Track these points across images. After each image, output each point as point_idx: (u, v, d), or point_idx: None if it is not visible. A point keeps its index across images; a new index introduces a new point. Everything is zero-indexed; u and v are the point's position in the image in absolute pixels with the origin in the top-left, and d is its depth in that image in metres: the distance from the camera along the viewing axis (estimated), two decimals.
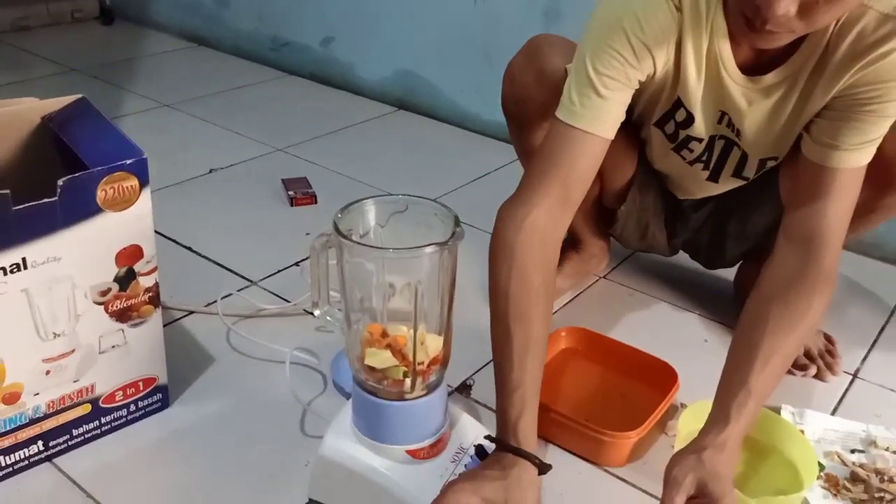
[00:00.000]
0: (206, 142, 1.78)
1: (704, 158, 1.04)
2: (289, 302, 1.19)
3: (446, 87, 1.92)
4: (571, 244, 1.28)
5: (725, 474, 0.77)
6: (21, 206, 0.74)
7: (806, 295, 0.86)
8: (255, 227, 1.43)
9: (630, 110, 0.94)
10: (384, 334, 0.76)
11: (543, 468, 0.78)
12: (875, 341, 1.21)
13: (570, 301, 1.26)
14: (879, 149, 0.90)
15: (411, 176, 1.64)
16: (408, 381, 0.76)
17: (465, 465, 0.81)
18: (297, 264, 1.30)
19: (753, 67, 0.89)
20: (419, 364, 0.75)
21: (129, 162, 0.80)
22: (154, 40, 2.47)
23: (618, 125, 0.89)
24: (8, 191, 0.73)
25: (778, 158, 1.02)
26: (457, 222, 0.73)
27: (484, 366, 1.08)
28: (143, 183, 0.82)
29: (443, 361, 0.79)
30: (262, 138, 1.79)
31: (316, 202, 1.50)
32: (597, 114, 0.86)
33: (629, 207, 1.17)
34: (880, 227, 1.41)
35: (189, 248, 1.32)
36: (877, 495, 0.88)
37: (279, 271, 1.28)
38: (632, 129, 1.06)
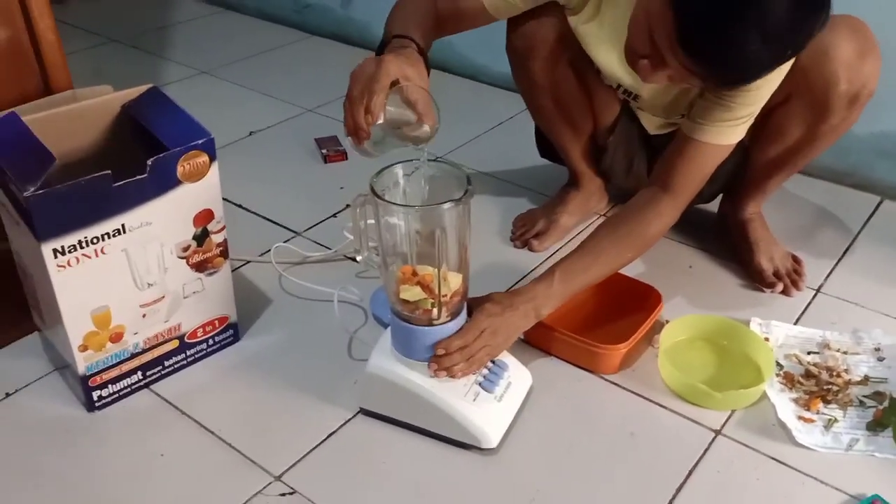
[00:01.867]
0: (243, 106, 1.94)
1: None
2: (330, 249, 1.38)
3: (459, 41, 2.04)
4: (573, 184, 1.44)
5: (486, 308, 1.01)
6: (120, 183, 0.93)
7: (637, 220, 1.11)
8: (295, 183, 1.61)
9: None
10: (414, 273, 0.94)
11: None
12: (839, 260, 1.37)
13: (574, 237, 1.42)
14: (809, 85, 1.10)
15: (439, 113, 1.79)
16: (435, 310, 0.94)
17: (483, 376, 1.00)
18: (334, 216, 1.48)
19: None
20: (443, 296, 0.93)
21: (201, 142, 0.98)
22: (182, 6, 2.60)
23: (506, 12, 1.17)
24: (109, 171, 0.91)
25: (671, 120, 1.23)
26: (468, 181, 0.90)
27: None
28: (212, 158, 1.00)
29: (462, 293, 0.97)
30: (294, 100, 1.95)
31: (346, 158, 1.67)
32: None
33: (617, 139, 1.35)
34: (853, 157, 1.57)
35: (240, 206, 1.51)
36: (825, 387, 1.06)
37: (319, 222, 1.46)
38: None
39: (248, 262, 1.35)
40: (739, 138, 1.10)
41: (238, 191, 1.51)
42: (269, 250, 1.35)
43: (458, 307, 0.96)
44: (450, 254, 0.92)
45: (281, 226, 1.46)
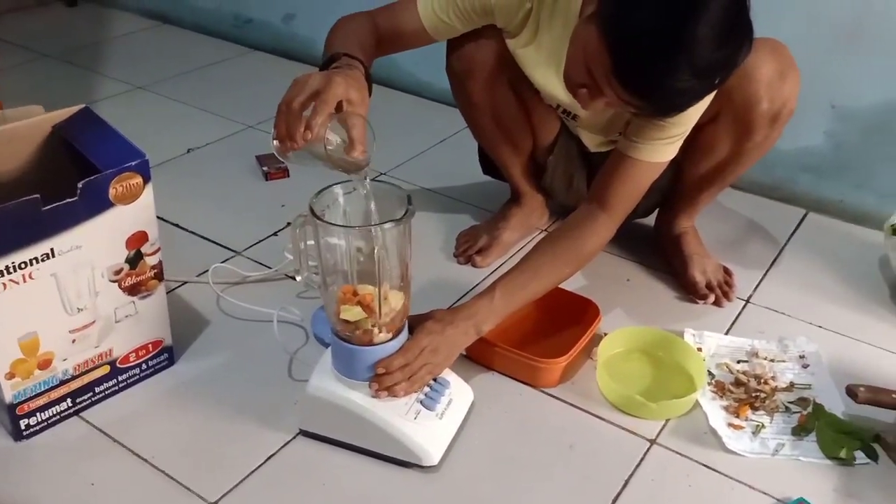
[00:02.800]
0: (181, 122, 1.91)
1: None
2: (270, 268, 1.36)
3: (403, 58, 2.04)
4: (514, 201, 1.47)
5: (427, 327, 1.02)
6: (49, 207, 0.90)
7: (574, 237, 1.15)
8: (235, 201, 1.59)
9: None
10: (355, 293, 0.94)
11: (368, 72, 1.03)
12: (767, 271, 1.42)
13: (516, 253, 1.44)
14: (733, 105, 1.16)
15: (376, 145, 1.80)
16: (375, 330, 0.94)
17: (426, 394, 1.00)
18: (275, 234, 1.47)
19: None
20: (384, 315, 0.93)
21: (134, 163, 0.96)
22: (119, 20, 2.55)
23: (445, 33, 1.19)
24: (38, 195, 0.89)
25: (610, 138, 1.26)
26: (409, 201, 0.91)
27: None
28: (146, 179, 0.98)
29: (404, 312, 0.97)
30: (234, 116, 1.93)
31: (288, 175, 1.65)
32: (433, 11, 1.15)
33: (557, 157, 1.39)
34: (778, 171, 1.64)
35: (177, 225, 1.48)
36: (754, 394, 1.11)
37: (260, 241, 1.45)
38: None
39: (185, 282, 1.33)
40: (672, 156, 1.14)
41: (175, 209, 1.49)
42: (207, 270, 1.33)
43: (399, 326, 0.97)
44: (391, 273, 0.93)
45: (220, 245, 1.44)
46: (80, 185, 0.92)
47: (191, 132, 1.85)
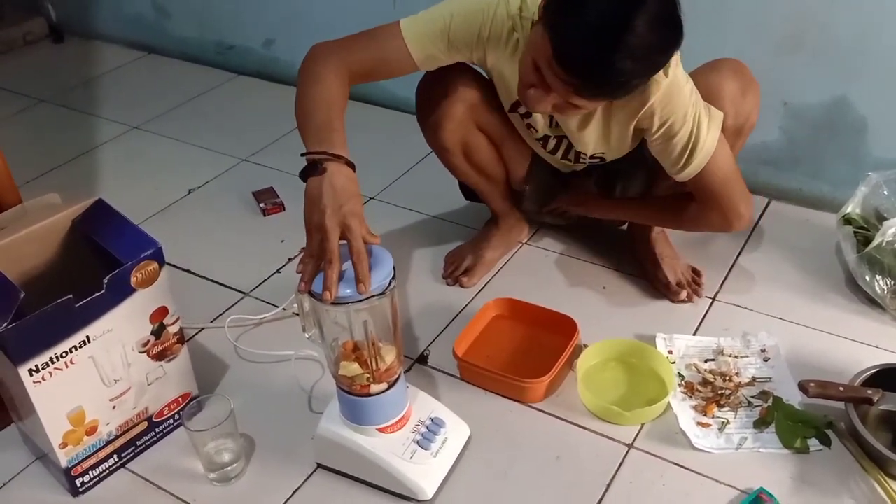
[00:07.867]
0: (178, 161, 2.00)
1: (546, 145, 1.39)
2: (278, 307, 1.48)
3: None
4: (493, 221, 1.58)
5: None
6: (81, 303, 1.03)
7: (689, 209, 1.33)
8: (237, 240, 1.69)
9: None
10: (355, 348, 1.06)
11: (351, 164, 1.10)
12: (731, 268, 1.53)
13: (501, 268, 1.56)
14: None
15: (361, 165, 1.89)
16: (372, 384, 1.06)
17: (423, 435, 1.12)
18: (278, 271, 1.59)
19: None
20: (377, 370, 1.05)
21: (150, 252, 1.08)
22: (106, 54, 2.62)
23: (431, 65, 1.25)
24: (71, 295, 1.02)
25: (604, 154, 1.35)
26: (394, 276, 1.00)
27: (437, 337, 1.39)
28: (161, 264, 1.10)
29: (398, 364, 1.08)
30: (228, 150, 2.02)
31: (284, 209, 1.77)
32: (423, 42, 1.20)
33: (532, 186, 1.50)
34: (740, 165, 1.71)
35: (188, 271, 1.59)
36: (720, 392, 1.23)
37: (265, 280, 1.56)
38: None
39: (202, 329, 1.45)
40: (714, 139, 1.21)
41: (183, 254, 1.58)
42: (220, 314, 1.45)
43: (394, 377, 1.08)
44: (383, 331, 1.05)
45: (228, 287, 1.55)
46: (105, 280, 1.05)
47: (188, 171, 1.94)
